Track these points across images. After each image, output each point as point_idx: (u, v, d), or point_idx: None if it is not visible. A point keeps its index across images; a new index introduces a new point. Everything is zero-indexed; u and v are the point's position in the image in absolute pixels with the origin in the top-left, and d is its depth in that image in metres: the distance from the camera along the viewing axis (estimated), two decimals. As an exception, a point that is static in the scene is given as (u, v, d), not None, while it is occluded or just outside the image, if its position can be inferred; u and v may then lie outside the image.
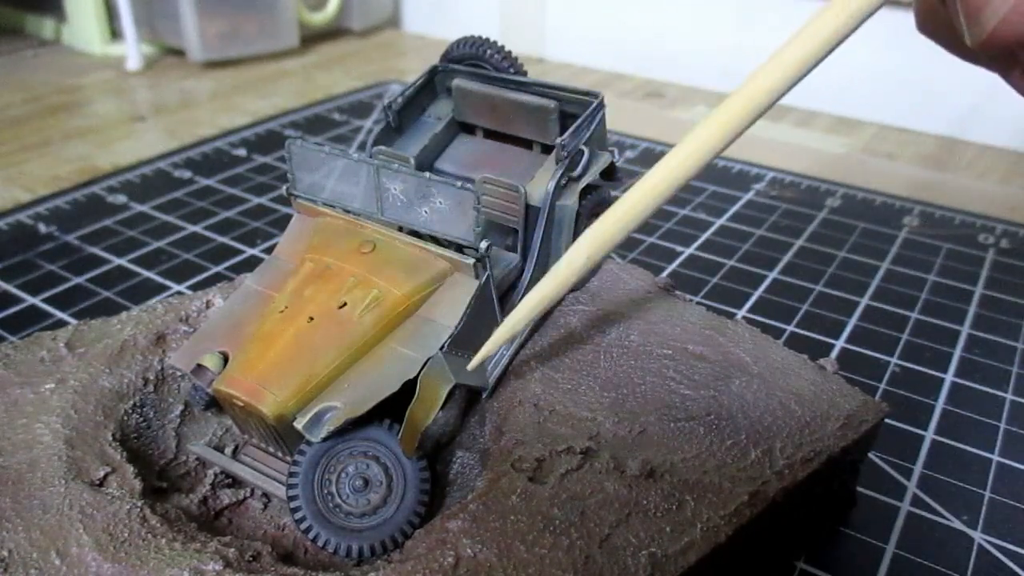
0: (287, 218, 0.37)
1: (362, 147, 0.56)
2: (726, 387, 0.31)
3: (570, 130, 0.32)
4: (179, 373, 0.32)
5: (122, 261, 0.50)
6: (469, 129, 0.37)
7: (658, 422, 0.29)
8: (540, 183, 0.32)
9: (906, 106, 0.75)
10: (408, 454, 0.27)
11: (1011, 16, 0.20)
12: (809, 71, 0.24)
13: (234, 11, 0.88)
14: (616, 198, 0.26)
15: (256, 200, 0.58)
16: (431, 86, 0.37)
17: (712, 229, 0.55)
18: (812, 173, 0.64)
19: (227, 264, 0.50)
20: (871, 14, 0.23)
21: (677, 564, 0.24)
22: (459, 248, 0.29)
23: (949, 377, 0.41)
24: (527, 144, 0.35)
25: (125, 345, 0.32)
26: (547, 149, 0.34)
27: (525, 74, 0.35)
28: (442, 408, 0.28)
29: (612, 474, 0.27)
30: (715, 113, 0.25)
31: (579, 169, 0.32)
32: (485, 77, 0.35)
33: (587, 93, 0.33)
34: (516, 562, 0.24)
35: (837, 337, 0.44)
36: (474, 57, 0.35)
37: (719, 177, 0.63)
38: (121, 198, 0.58)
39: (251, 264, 0.49)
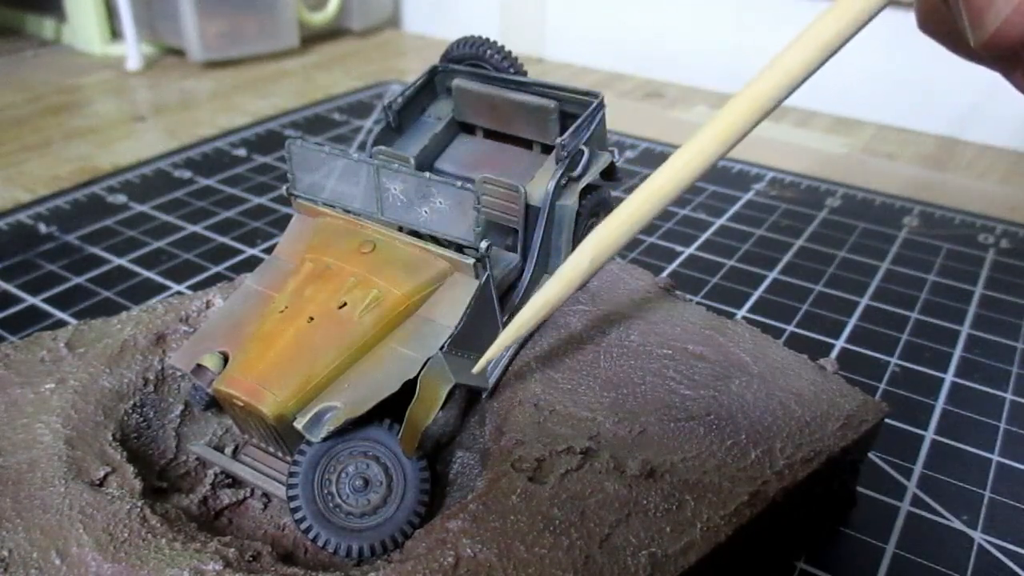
0: (287, 218, 0.37)
1: (362, 147, 0.56)
2: (726, 387, 0.31)
3: (570, 130, 0.32)
4: (179, 373, 0.32)
5: (122, 261, 0.50)
6: (469, 129, 0.37)
7: (658, 422, 0.29)
8: (540, 183, 0.32)
9: (906, 106, 0.75)
10: (408, 454, 0.27)
11: (1014, 17, 0.20)
12: (812, 73, 0.24)
13: (234, 11, 0.88)
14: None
15: (256, 200, 0.58)
16: (431, 86, 0.37)
17: (712, 229, 0.55)
18: (812, 173, 0.64)
19: (227, 264, 0.50)
20: (874, 15, 0.23)
21: (677, 564, 0.24)
22: (459, 248, 0.29)
23: (949, 377, 0.41)
24: (527, 144, 0.35)
25: (125, 345, 0.32)
26: (547, 149, 0.34)
27: (525, 74, 0.35)
28: (442, 408, 0.28)
29: (612, 474, 0.27)
30: (719, 116, 0.25)
31: (579, 169, 0.32)
32: (485, 77, 0.35)
33: (587, 93, 0.33)
34: (516, 562, 0.24)
35: (837, 337, 0.44)
36: (474, 57, 0.35)
37: (719, 177, 0.63)
38: (121, 198, 0.58)
39: (251, 264, 0.49)
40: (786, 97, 0.24)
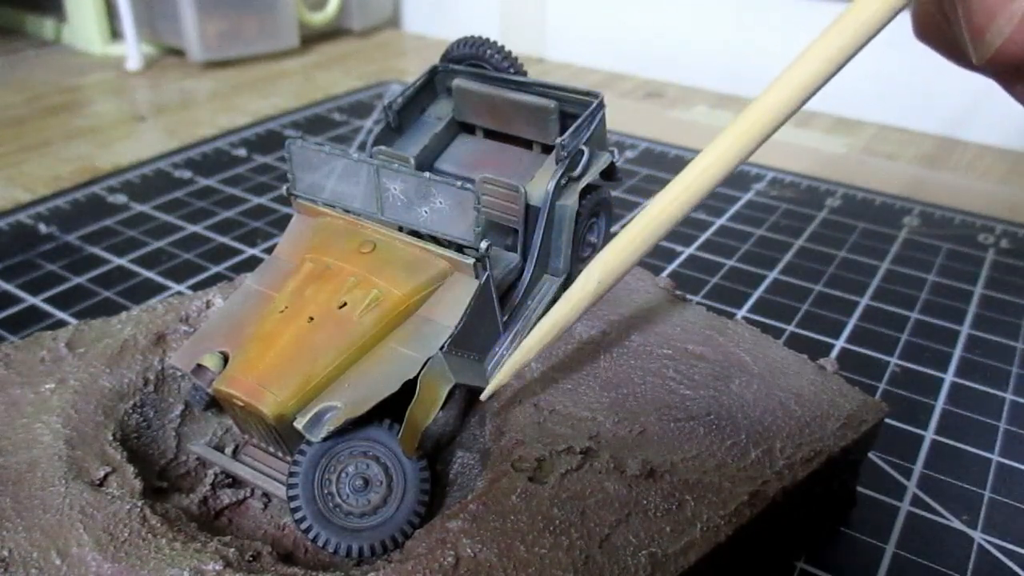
0: (287, 218, 0.37)
1: (362, 147, 0.56)
2: (726, 387, 0.31)
3: (570, 130, 0.32)
4: (179, 373, 0.32)
5: (122, 261, 0.50)
6: (469, 129, 0.37)
7: (658, 422, 0.29)
8: (540, 183, 0.32)
9: (906, 106, 0.75)
10: (408, 454, 0.27)
11: (1016, 35, 0.20)
12: (824, 84, 0.24)
13: (234, 11, 0.88)
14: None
15: (256, 200, 0.58)
16: (431, 86, 0.37)
17: (712, 229, 0.55)
18: (812, 173, 0.64)
19: (227, 264, 0.50)
20: (886, 23, 0.23)
21: (677, 564, 0.24)
22: (459, 248, 0.29)
23: (949, 377, 0.41)
24: (527, 144, 0.35)
25: (125, 345, 0.32)
26: (547, 149, 0.34)
27: (525, 74, 0.35)
28: (442, 408, 0.28)
29: (612, 474, 0.27)
30: (721, 137, 0.25)
31: (579, 169, 0.32)
32: (485, 77, 0.35)
33: (587, 93, 0.33)
34: (516, 562, 0.24)
35: (837, 337, 0.44)
36: (474, 57, 0.35)
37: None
38: (121, 198, 0.58)
39: (251, 264, 0.49)
40: (800, 107, 0.24)
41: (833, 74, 0.23)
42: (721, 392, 0.30)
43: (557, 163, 0.32)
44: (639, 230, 0.26)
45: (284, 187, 0.31)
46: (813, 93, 0.24)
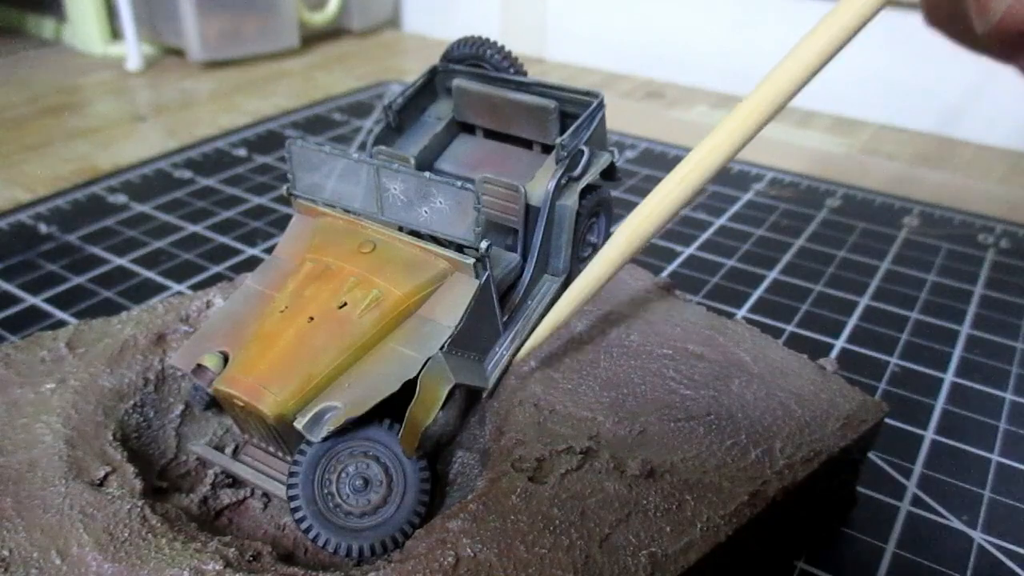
0: (287, 218, 0.37)
1: (362, 147, 0.56)
2: (726, 387, 0.31)
3: (570, 130, 0.32)
4: (179, 373, 0.32)
5: (122, 261, 0.50)
6: (469, 129, 0.37)
7: (658, 422, 0.29)
8: (540, 183, 0.32)
9: (906, 106, 0.75)
10: (408, 454, 0.27)
11: (1016, 4, 0.21)
12: (828, 60, 0.24)
13: (234, 11, 0.88)
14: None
15: (256, 200, 0.58)
16: (431, 86, 0.37)
17: (712, 229, 0.55)
18: (812, 173, 0.64)
19: (227, 264, 0.50)
20: (869, 21, 0.23)
21: (677, 564, 0.24)
22: (459, 248, 0.29)
23: (949, 377, 0.41)
24: (527, 144, 0.35)
25: (125, 345, 0.32)
26: (547, 149, 0.34)
27: (525, 74, 0.35)
28: (442, 408, 0.28)
29: (612, 474, 0.27)
30: (717, 131, 0.25)
31: (579, 169, 0.32)
32: (485, 77, 0.35)
33: (587, 93, 0.33)
34: (516, 562, 0.24)
35: (837, 337, 0.44)
36: (474, 57, 0.35)
37: (719, 177, 0.63)
38: (121, 198, 0.58)
39: (251, 264, 0.49)
40: (794, 95, 0.24)
41: (830, 58, 0.24)
42: (721, 392, 0.30)
43: (557, 163, 0.32)
44: (649, 211, 0.27)
45: (284, 187, 0.31)
46: (817, 71, 0.24)
